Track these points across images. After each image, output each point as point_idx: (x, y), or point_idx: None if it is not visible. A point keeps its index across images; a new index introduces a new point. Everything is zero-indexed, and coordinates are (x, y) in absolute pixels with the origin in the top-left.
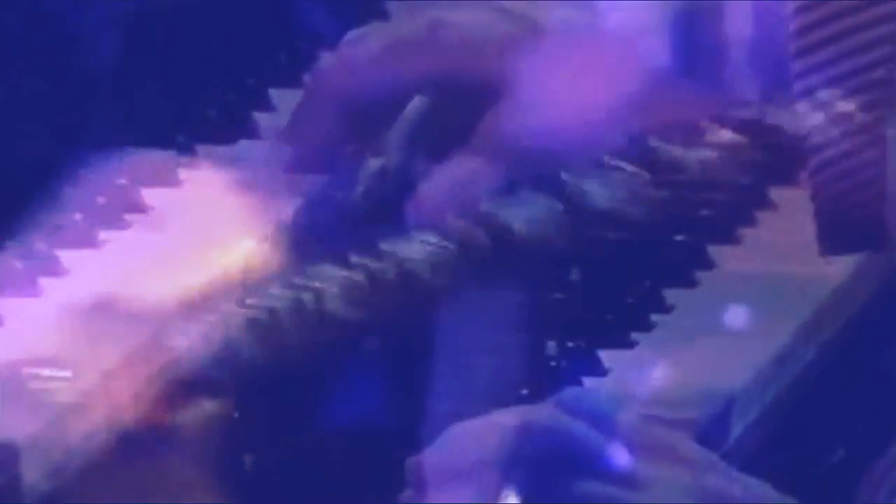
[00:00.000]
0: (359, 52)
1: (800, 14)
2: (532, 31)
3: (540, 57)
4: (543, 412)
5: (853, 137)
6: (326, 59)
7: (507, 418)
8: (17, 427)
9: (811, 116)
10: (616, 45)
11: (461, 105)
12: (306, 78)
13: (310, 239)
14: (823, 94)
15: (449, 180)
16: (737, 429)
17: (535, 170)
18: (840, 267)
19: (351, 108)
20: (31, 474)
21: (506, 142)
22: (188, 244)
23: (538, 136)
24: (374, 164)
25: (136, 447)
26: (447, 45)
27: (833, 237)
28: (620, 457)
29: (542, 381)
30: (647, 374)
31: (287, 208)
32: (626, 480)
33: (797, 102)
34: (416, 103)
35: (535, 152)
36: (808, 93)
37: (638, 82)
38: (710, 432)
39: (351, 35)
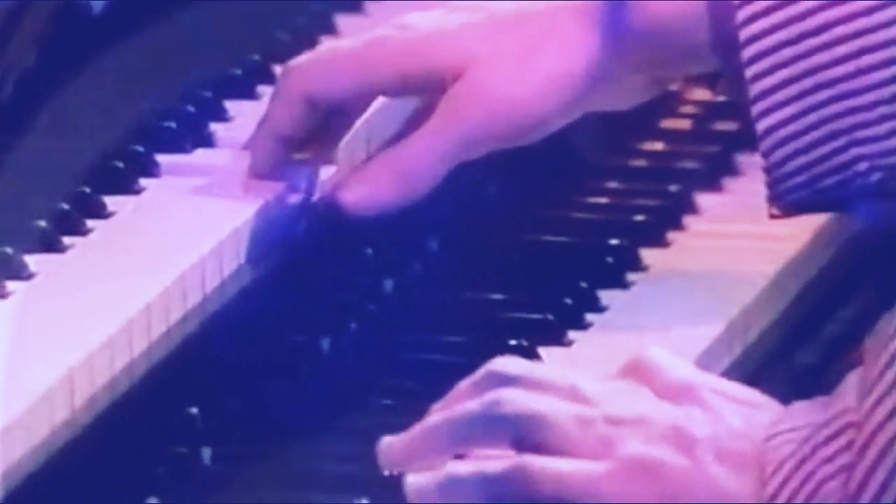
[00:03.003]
0: (330, 51)
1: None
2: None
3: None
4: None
5: None
6: (300, 56)
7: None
8: None
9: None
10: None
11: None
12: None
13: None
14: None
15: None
16: None
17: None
18: (771, 268)
19: (316, 103)
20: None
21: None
22: (148, 251)
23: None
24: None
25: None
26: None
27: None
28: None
29: None
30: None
31: (243, 215)
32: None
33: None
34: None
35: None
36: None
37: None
38: None
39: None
